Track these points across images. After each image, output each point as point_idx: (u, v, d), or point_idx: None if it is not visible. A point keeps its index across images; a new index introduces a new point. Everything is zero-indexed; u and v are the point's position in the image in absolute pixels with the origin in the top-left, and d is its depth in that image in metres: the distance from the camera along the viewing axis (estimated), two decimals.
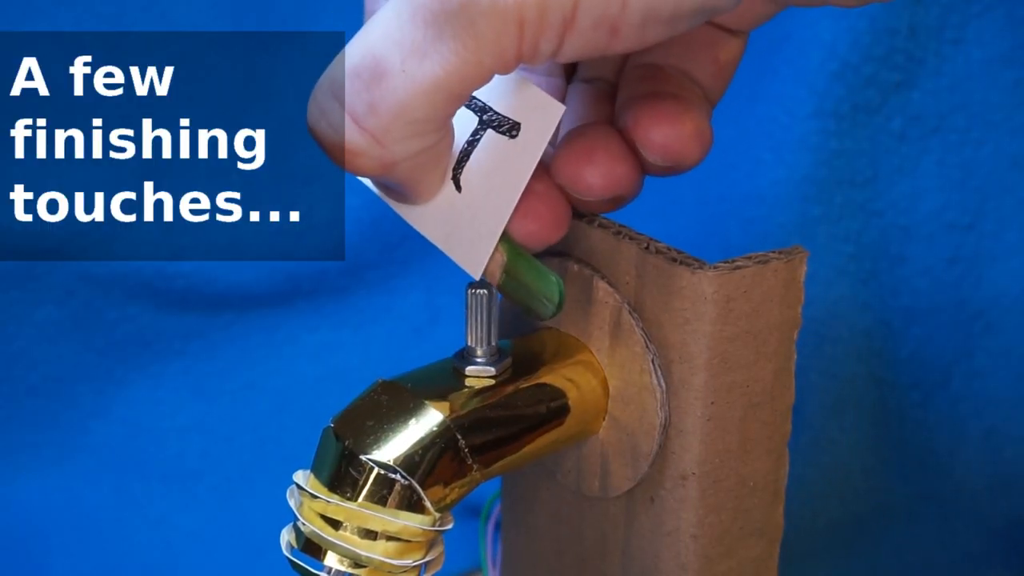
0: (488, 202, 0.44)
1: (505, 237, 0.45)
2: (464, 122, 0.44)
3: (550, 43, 0.37)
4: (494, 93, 0.43)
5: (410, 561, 0.45)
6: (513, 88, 0.43)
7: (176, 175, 0.81)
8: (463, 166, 0.44)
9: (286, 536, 0.46)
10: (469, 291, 0.47)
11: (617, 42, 0.37)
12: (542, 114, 0.42)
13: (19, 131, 0.79)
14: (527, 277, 0.45)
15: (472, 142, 0.44)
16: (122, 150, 0.80)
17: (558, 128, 0.45)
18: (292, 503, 0.46)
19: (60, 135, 0.79)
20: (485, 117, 0.44)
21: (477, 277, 0.45)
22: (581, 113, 0.47)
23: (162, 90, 0.80)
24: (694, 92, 0.45)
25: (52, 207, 0.79)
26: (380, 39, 0.37)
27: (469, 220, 0.44)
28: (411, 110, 0.37)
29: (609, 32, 0.37)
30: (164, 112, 0.80)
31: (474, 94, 0.43)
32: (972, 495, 0.80)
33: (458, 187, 0.44)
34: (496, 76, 0.43)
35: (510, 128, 0.43)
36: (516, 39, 0.36)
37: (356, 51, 0.37)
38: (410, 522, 0.44)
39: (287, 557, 0.46)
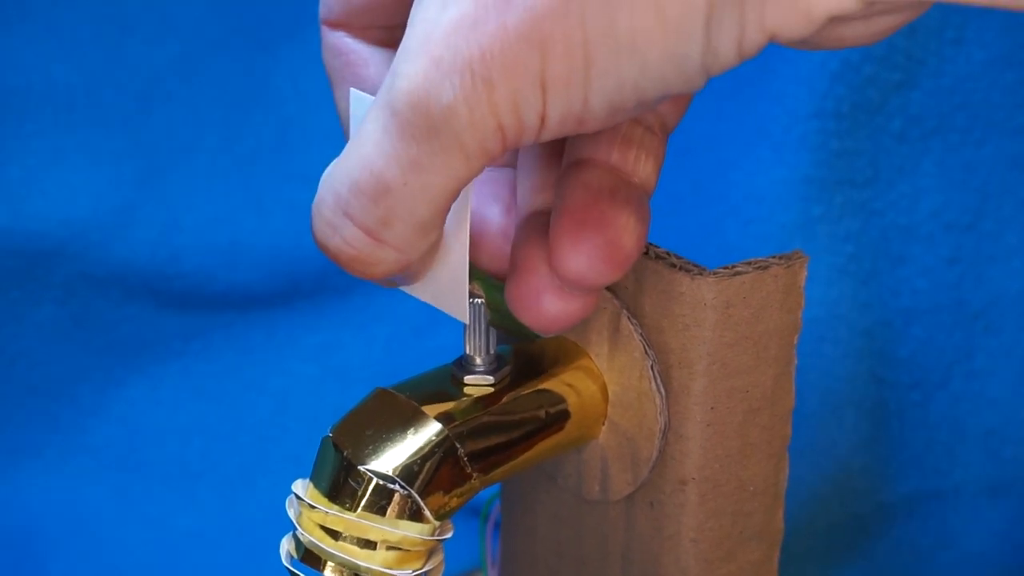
0: (448, 249, 0.44)
1: (476, 274, 0.46)
2: None
3: (529, 138, 0.38)
4: None
5: (410, 571, 0.45)
6: None
7: (176, 175, 0.81)
8: None
9: (285, 546, 0.46)
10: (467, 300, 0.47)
11: (587, 128, 0.38)
12: None
13: (19, 131, 0.79)
14: (505, 305, 0.46)
15: None
16: (122, 150, 0.80)
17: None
18: (291, 513, 0.46)
19: (60, 135, 0.79)
20: None
21: (466, 320, 0.45)
22: (534, 179, 0.47)
23: (162, 90, 0.80)
24: (632, 185, 0.45)
25: (53, 206, 0.79)
26: (376, 156, 0.38)
27: (440, 271, 0.45)
28: (420, 218, 0.39)
29: (577, 123, 0.38)
30: (164, 112, 0.80)
31: None
32: (972, 495, 0.80)
33: None
34: None
35: None
36: (500, 142, 0.38)
37: (354, 168, 0.39)
38: (410, 532, 0.44)
39: (286, 567, 0.46)
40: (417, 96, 0.37)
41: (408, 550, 0.45)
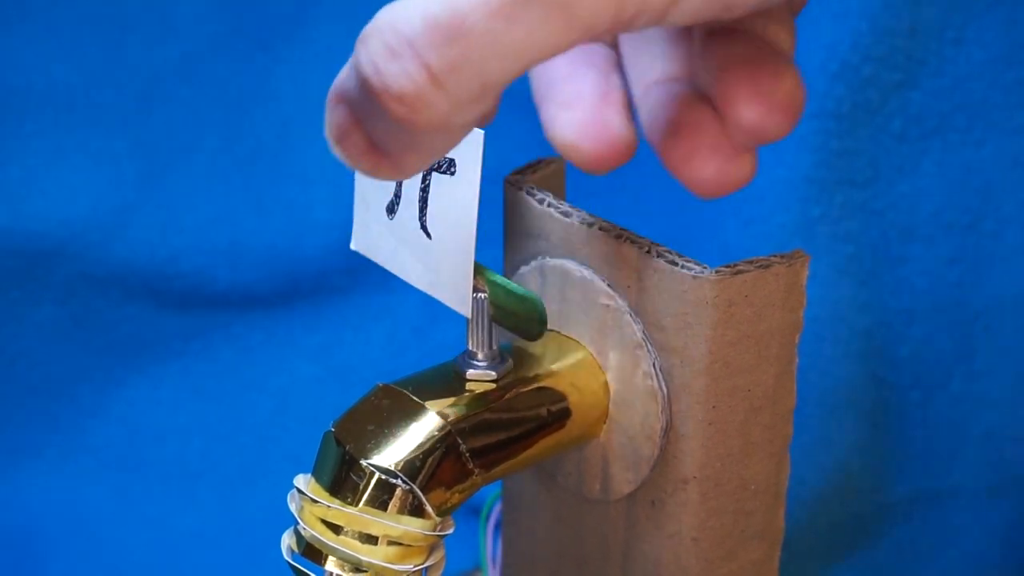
0: (452, 242, 0.44)
1: (479, 269, 0.45)
2: None
3: (650, 17, 0.35)
4: None
5: (411, 566, 0.45)
6: None
7: (176, 175, 0.81)
8: (425, 213, 0.45)
9: (287, 540, 0.46)
10: (471, 294, 0.47)
11: (731, 12, 0.36)
12: (467, 144, 0.43)
13: (19, 131, 0.79)
14: (507, 302, 0.46)
15: (425, 189, 0.44)
16: (122, 150, 0.80)
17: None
18: (293, 507, 0.46)
19: (60, 135, 0.79)
20: None
21: (467, 314, 0.45)
22: (659, 49, 0.44)
23: (162, 90, 0.80)
24: (781, 53, 0.43)
25: (53, 206, 0.79)
26: None
27: (444, 263, 0.45)
28: (490, 73, 0.35)
29: (723, 8, 0.36)
30: (164, 112, 0.80)
31: None
32: (972, 495, 0.80)
33: (428, 234, 0.45)
34: None
35: (448, 166, 0.44)
36: (612, 13, 0.35)
37: (436, 3, 0.34)
38: (411, 527, 0.44)
39: (288, 562, 0.46)
40: None
41: (410, 545, 0.45)
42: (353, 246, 0.48)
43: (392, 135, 0.37)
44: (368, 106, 0.36)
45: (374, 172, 0.38)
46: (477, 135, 0.43)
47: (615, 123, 0.42)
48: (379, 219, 0.47)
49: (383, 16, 0.35)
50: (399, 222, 0.46)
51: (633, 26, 0.35)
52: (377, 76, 0.35)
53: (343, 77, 0.37)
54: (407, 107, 0.35)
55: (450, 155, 0.43)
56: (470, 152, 0.43)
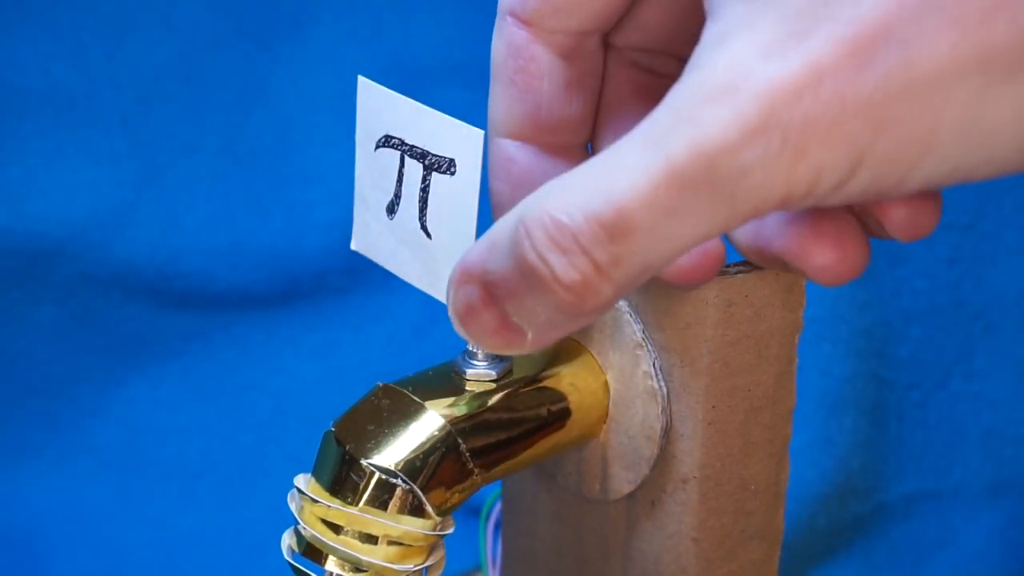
0: (452, 241, 0.44)
1: None
2: (410, 170, 0.45)
3: (805, 205, 0.35)
4: (421, 134, 0.44)
5: (411, 565, 0.45)
6: (434, 125, 0.43)
7: (176, 175, 0.81)
8: (426, 213, 0.45)
9: (287, 540, 0.46)
10: None
11: (866, 199, 0.36)
12: (467, 144, 0.43)
13: (19, 131, 0.79)
14: None
15: (425, 189, 0.44)
16: (122, 150, 0.80)
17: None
18: (293, 507, 0.46)
19: (60, 135, 0.79)
20: (427, 162, 0.44)
21: None
22: (619, 109, 0.45)
23: (162, 90, 0.80)
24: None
25: (53, 206, 0.79)
26: (629, 196, 0.34)
27: (444, 263, 0.45)
28: (653, 261, 0.36)
29: (874, 195, 0.35)
30: (164, 112, 0.80)
31: (409, 141, 0.44)
32: (972, 495, 0.80)
33: (428, 234, 0.45)
34: (416, 114, 0.43)
35: (448, 166, 0.44)
36: (775, 206, 0.35)
37: (596, 197, 0.35)
38: (411, 527, 0.44)
39: (288, 561, 0.46)
40: (709, 150, 0.33)
41: (410, 545, 0.45)
42: (353, 246, 0.48)
43: (537, 314, 0.37)
44: (519, 288, 0.37)
45: (502, 348, 0.39)
46: (476, 135, 0.43)
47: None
48: (379, 219, 0.47)
49: (542, 205, 0.36)
50: (399, 222, 0.46)
51: (800, 207, 0.35)
52: (544, 267, 0.36)
53: (477, 257, 0.38)
54: (575, 295, 0.36)
55: (450, 155, 0.43)
56: (470, 152, 0.43)
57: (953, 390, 0.79)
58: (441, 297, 0.46)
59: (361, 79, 0.45)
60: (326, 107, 0.81)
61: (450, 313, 0.40)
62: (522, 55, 0.43)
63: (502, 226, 0.38)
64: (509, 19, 0.43)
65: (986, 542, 0.80)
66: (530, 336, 0.38)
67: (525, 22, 0.42)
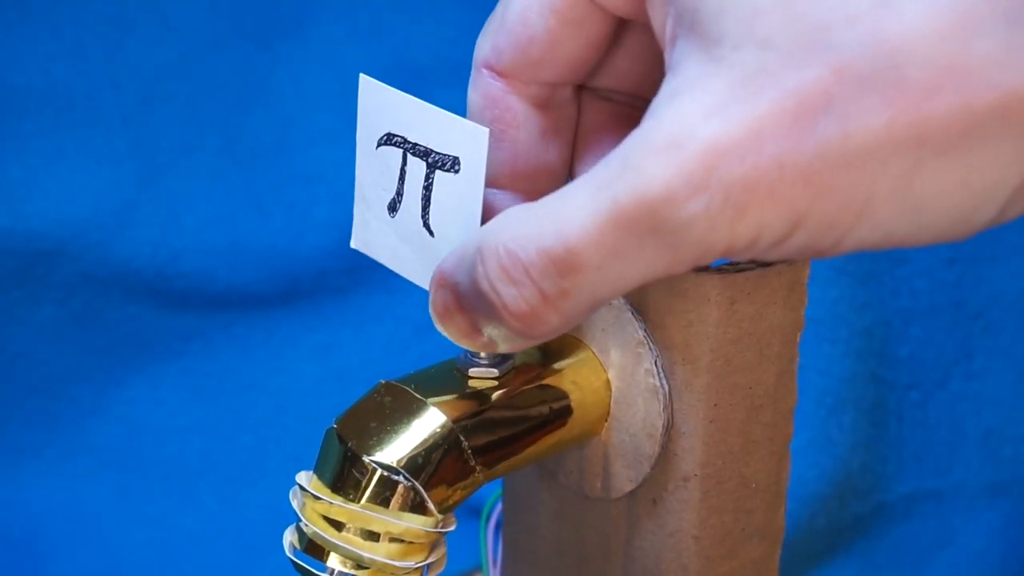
0: (456, 240, 0.44)
1: None
2: (413, 168, 0.45)
3: (744, 256, 0.37)
4: (424, 132, 0.44)
5: (413, 563, 0.45)
6: (439, 123, 0.44)
7: (176, 175, 0.81)
8: (428, 211, 0.45)
9: (289, 537, 0.46)
10: None
11: (807, 256, 0.38)
12: (472, 142, 0.43)
13: (19, 131, 0.79)
14: None
15: (428, 187, 0.44)
16: (122, 150, 0.80)
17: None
18: (295, 504, 0.46)
19: (60, 135, 0.79)
20: (431, 160, 0.44)
21: None
22: (595, 141, 0.46)
23: (162, 90, 0.80)
24: None
25: (53, 206, 0.79)
26: (578, 236, 0.36)
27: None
28: (600, 298, 0.38)
29: (813, 253, 0.37)
30: (164, 112, 0.80)
31: (412, 139, 0.44)
32: (972, 495, 0.80)
33: (431, 232, 0.45)
34: (419, 112, 0.43)
35: (452, 164, 0.44)
36: (716, 256, 0.36)
37: (547, 234, 0.37)
38: (413, 524, 0.44)
39: (290, 558, 0.46)
40: (653, 201, 0.35)
41: (411, 542, 0.45)
42: (353, 244, 0.48)
43: (493, 331, 0.40)
44: (477, 305, 0.40)
45: (479, 349, 0.42)
46: (482, 133, 0.43)
47: None
48: (380, 217, 0.47)
49: (498, 236, 0.39)
50: (401, 220, 0.46)
51: (742, 258, 0.37)
52: (495, 295, 0.39)
53: (451, 266, 0.41)
54: (523, 324, 0.39)
55: (454, 153, 0.43)
56: (474, 151, 0.43)
57: (953, 390, 0.79)
58: None
59: (363, 77, 0.45)
60: (326, 107, 0.82)
61: (430, 311, 0.42)
62: (498, 106, 0.44)
63: (467, 244, 0.40)
64: (484, 71, 0.44)
65: (986, 542, 0.80)
66: (495, 346, 0.41)
67: (500, 74, 0.44)
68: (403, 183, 0.45)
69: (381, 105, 0.45)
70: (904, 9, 0.34)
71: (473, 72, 0.44)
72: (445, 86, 0.80)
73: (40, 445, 0.83)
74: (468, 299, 0.40)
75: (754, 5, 0.35)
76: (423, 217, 0.45)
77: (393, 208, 0.46)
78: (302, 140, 0.81)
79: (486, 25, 0.44)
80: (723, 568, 0.51)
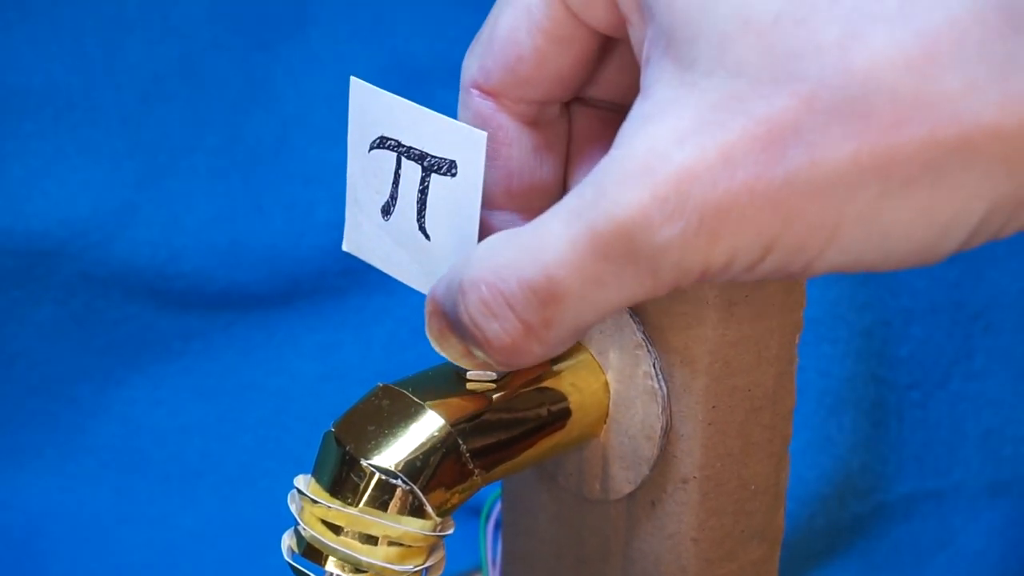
0: (453, 243, 0.44)
1: None
2: (408, 171, 0.45)
3: (722, 278, 0.38)
4: (420, 135, 0.44)
5: (411, 566, 0.45)
6: (436, 127, 0.43)
7: (176, 175, 0.81)
8: (424, 215, 0.45)
9: (287, 541, 0.46)
10: None
11: (786, 278, 0.39)
12: (470, 146, 0.43)
13: (19, 131, 0.79)
14: None
15: (423, 191, 0.44)
16: (122, 150, 0.80)
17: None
18: (293, 508, 0.46)
19: (60, 135, 0.79)
20: (426, 163, 0.44)
21: None
22: (588, 148, 0.47)
23: (162, 90, 0.80)
24: None
25: (53, 206, 0.79)
26: (557, 265, 0.37)
27: (443, 264, 0.45)
28: (585, 324, 0.39)
29: (784, 276, 0.38)
30: (164, 112, 0.80)
31: (407, 142, 0.44)
32: (972, 495, 0.80)
33: (427, 236, 0.45)
34: (414, 115, 0.43)
35: (449, 168, 0.44)
36: (694, 279, 0.37)
37: (527, 266, 0.38)
38: (411, 527, 0.44)
39: (288, 562, 0.46)
40: (628, 227, 0.36)
41: (410, 546, 0.45)
42: (345, 247, 0.48)
43: (483, 355, 0.41)
44: (462, 334, 0.41)
45: (474, 368, 0.44)
46: (480, 137, 0.43)
47: None
48: (373, 220, 0.47)
49: (477, 270, 0.39)
50: (395, 224, 0.46)
51: (719, 280, 0.37)
52: (477, 329, 0.40)
53: (441, 294, 0.42)
54: (505, 355, 0.40)
55: (451, 157, 0.43)
56: (472, 155, 0.43)
57: (953, 390, 0.79)
58: None
59: (354, 80, 0.45)
60: (326, 107, 0.81)
61: (427, 332, 0.43)
62: (489, 124, 0.44)
63: (453, 275, 0.41)
64: (473, 91, 0.44)
65: (986, 542, 0.80)
66: (489, 367, 0.43)
67: (488, 93, 0.44)
68: (397, 186, 0.45)
69: (373, 108, 0.45)
70: (872, 41, 0.34)
71: (462, 93, 0.44)
72: (445, 86, 0.80)
73: (40, 445, 0.83)
74: (455, 327, 0.41)
75: (726, 32, 0.36)
76: (419, 221, 0.45)
77: (387, 211, 0.46)
78: (302, 140, 0.81)
79: (472, 45, 0.44)
80: (722, 570, 0.51)
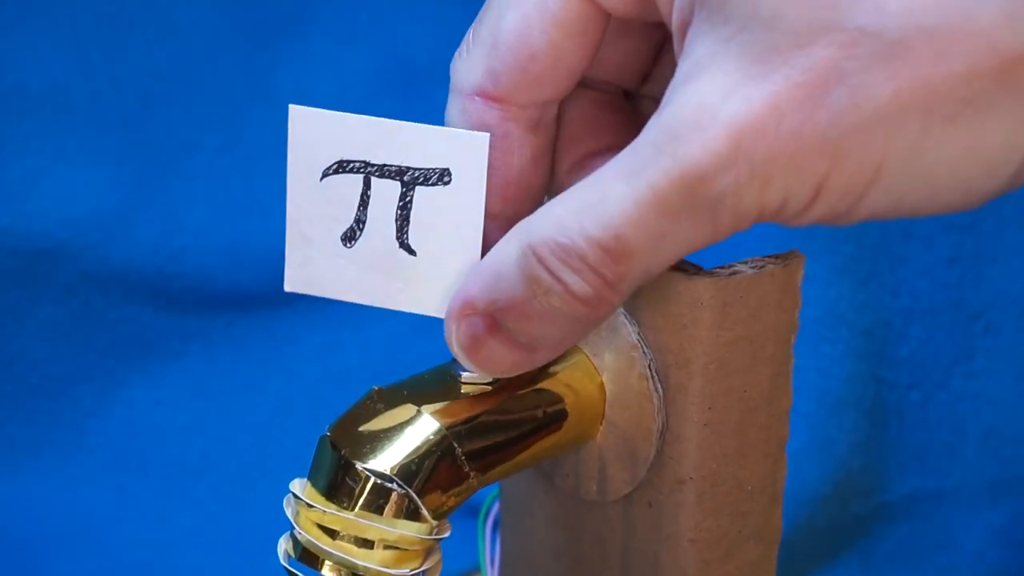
0: (450, 250, 0.44)
1: None
2: (380, 190, 0.44)
3: (778, 221, 0.39)
4: (397, 151, 0.43)
5: (407, 570, 0.45)
6: (420, 138, 0.43)
7: (176, 175, 0.81)
8: (406, 231, 0.44)
9: (283, 545, 0.46)
10: None
11: (836, 223, 0.40)
12: (470, 150, 0.43)
13: (19, 131, 0.79)
14: None
15: (404, 206, 0.44)
16: (122, 150, 0.80)
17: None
18: (288, 512, 0.46)
19: (60, 135, 0.79)
20: (407, 178, 0.43)
21: None
22: (594, 134, 0.47)
23: (162, 90, 0.80)
24: None
25: (53, 206, 0.79)
26: (624, 224, 0.39)
27: (435, 276, 0.44)
28: (652, 270, 0.40)
29: (832, 220, 0.39)
30: (164, 112, 0.80)
31: (378, 161, 0.44)
32: (972, 495, 0.80)
33: (412, 252, 0.44)
34: (388, 131, 0.43)
35: (439, 177, 0.43)
36: (751, 222, 0.39)
37: (593, 227, 0.39)
38: (407, 531, 0.44)
39: (284, 567, 0.46)
40: (687, 182, 0.37)
41: (406, 549, 0.45)
42: (288, 288, 0.47)
43: (545, 331, 0.42)
44: (530, 308, 0.41)
45: (506, 371, 0.44)
46: (482, 139, 0.42)
47: None
48: (329, 251, 0.45)
49: (545, 233, 0.40)
50: (364, 248, 0.45)
51: (775, 221, 0.39)
52: (559, 284, 0.40)
53: (480, 289, 0.42)
54: (590, 307, 0.41)
55: (443, 165, 0.43)
56: (473, 158, 0.43)
57: (953, 390, 0.78)
58: (430, 313, 0.46)
59: (294, 108, 0.44)
60: (326, 107, 0.81)
61: (453, 346, 0.44)
62: (495, 134, 0.44)
63: (502, 257, 0.41)
64: (477, 99, 0.44)
65: (986, 542, 0.80)
66: (537, 355, 0.43)
67: (496, 99, 0.43)
68: (365, 209, 0.44)
69: (325, 133, 0.44)
70: None
71: (459, 101, 0.44)
72: (445, 86, 0.80)
73: (40, 445, 0.83)
74: (518, 308, 0.42)
75: None
76: (399, 238, 0.44)
77: (350, 238, 0.45)
78: None
79: (466, 52, 0.44)
80: (720, 571, 0.51)
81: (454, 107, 0.44)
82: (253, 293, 0.82)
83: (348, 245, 0.45)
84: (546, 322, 0.41)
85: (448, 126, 0.44)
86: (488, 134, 0.43)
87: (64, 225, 0.78)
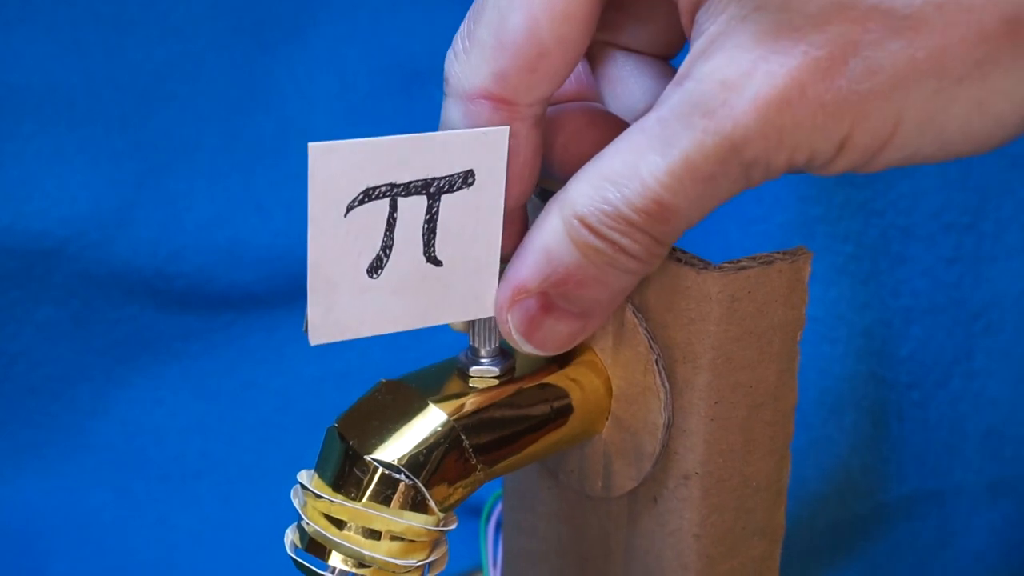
0: (474, 251, 0.44)
1: None
2: (407, 209, 0.43)
3: (820, 163, 0.41)
4: (420, 164, 0.42)
5: (414, 561, 0.45)
6: (441, 145, 0.42)
7: (176, 175, 0.81)
8: (432, 244, 0.44)
9: (290, 536, 0.46)
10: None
11: (858, 171, 0.42)
12: (489, 146, 0.42)
13: (19, 131, 0.79)
14: None
15: (431, 219, 0.43)
16: (122, 150, 0.80)
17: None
18: (296, 503, 0.46)
19: (60, 135, 0.79)
20: (432, 190, 0.43)
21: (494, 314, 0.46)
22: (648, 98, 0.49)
23: (162, 90, 0.80)
24: None
25: (53, 206, 0.79)
26: (664, 192, 0.41)
27: (461, 280, 0.44)
28: (695, 221, 0.43)
29: (854, 170, 0.42)
30: (164, 112, 0.80)
31: (403, 180, 0.43)
32: (972, 494, 0.80)
33: (438, 263, 0.44)
34: (408, 147, 0.42)
35: (464, 180, 0.43)
36: (784, 164, 0.41)
37: (635, 197, 0.41)
38: (414, 522, 0.44)
39: (291, 557, 0.46)
40: (721, 153, 0.40)
41: (412, 540, 0.45)
42: (314, 341, 0.44)
43: (599, 296, 0.44)
44: (586, 275, 0.43)
45: (568, 344, 0.46)
46: (501, 133, 0.42)
47: None
48: (354, 288, 0.44)
49: (588, 204, 0.42)
50: (391, 273, 0.44)
51: (805, 170, 0.42)
52: (613, 247, 0.42)
53: (531, 270, 0.44)
54: (642, 262, 0.43)
55: (466, 167, 0.43)
56: (493, 152, 0.43)
57: (953, 390, 0.79)
58: (465, 317, 0.46)
59: (313, 145, 0.41)
60: (326, 107, 0.82)
61: (511, 334, 0.45)
62: None
63: (546, 234, 0.43)
64: (484, 102, 0.43)
65: (986, 542, 0.80)
66: (591, 322, 0.46)
67: (503, 100, 0.43)
68: (392, 233, 0.43)
69: (348, 165, 0.42)
70: None
71: (462, 104, 0.43)
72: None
73: (40, 445, 0.83)
74: (574, 277, 0.43)
75: None
76: (427, 253, 0.44)
77: (377, 268, 0.44)
78: (302, 140, 0.81)
79: (463, 55, 0.43)
80: (724, 567, 0.51)
81: (454, 110, 0.44)
82: (253, 293, 0.82)
83: (374, 276, 0.44)
84: (600, 285, 0.44)
85: (446, 130, 0.44)
86: (508, 127, 0.43)
87: (64, 225, 0.78)
